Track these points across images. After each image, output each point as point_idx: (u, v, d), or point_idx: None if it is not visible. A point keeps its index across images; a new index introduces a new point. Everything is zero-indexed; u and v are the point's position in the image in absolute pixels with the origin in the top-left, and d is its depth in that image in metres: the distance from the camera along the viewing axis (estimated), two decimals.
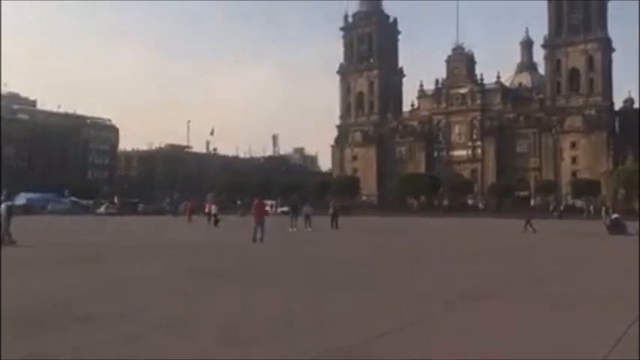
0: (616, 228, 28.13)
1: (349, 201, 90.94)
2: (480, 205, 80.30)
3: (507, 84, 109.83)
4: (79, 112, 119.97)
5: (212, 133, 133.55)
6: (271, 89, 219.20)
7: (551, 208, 61.40)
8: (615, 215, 30.01)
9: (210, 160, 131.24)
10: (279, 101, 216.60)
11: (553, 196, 79.65)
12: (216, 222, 31.13)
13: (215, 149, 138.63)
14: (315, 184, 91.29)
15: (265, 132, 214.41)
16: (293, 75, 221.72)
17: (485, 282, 10.14)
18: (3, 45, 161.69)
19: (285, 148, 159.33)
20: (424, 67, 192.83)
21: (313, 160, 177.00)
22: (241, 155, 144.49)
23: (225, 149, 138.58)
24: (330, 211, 31.23)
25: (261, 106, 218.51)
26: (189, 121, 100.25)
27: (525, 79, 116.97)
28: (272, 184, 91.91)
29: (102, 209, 53.80)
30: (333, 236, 23.46)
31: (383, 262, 13.46)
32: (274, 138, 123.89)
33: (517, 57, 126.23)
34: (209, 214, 32.60)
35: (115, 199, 50.77)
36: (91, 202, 58.94)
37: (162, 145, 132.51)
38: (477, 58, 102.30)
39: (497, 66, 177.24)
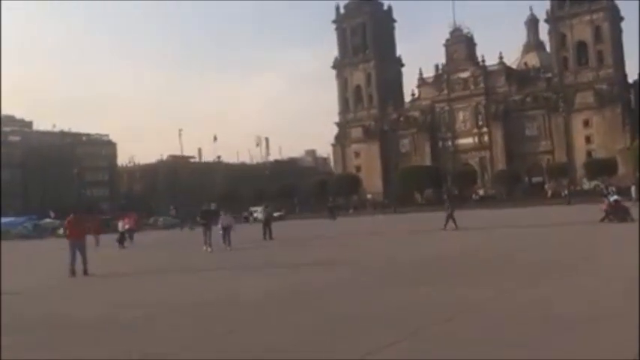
0: (615, 213, 22.90)
1: (350, 200, 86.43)
2: (474, 197, 74.72)
3: (514, 66, 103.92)
4: (75, 129, 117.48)
5: (215, 139, 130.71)
6: (280, 94, 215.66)
7: (549, 193, 55.67)
8: (615, 197, 24.42)
9: (215, 168, 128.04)
10: (290, 105, 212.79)
11: (567, 180, 73.77)
12: (122, 240, 26.86)
13: (219, 157, 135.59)
14: (313, 184, 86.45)
15: (276, 137, 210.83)
16: (301, 77, 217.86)
17: None
18: None
19: (297, 151, 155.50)
20: (425, 53, 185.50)
21: (325, 161, 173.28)
22: (248, 162, 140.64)
23: (233, 157, 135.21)
24: (262, 217, 26.19)
25: (272, 111, 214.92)
26: (180, 130, 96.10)
27: (533, 60, 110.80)
28: (268, 189, 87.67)
29: (62, 231, 49.86)
30: (238, 259, 17.62)
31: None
32: (266, 140, 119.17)
33: (523, 37, 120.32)
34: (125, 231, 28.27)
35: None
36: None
37: (164, 157, 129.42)
38: (477, 40, 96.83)
39: (502, 47, 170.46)
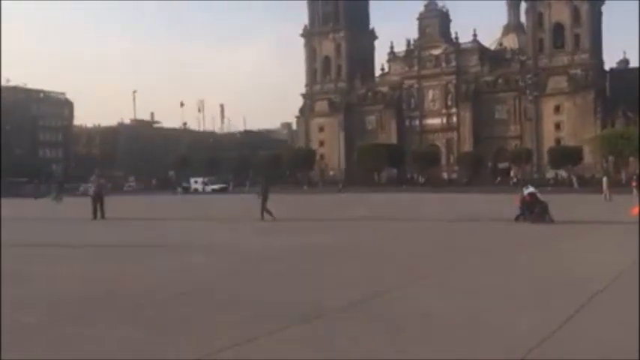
0: (530, 211, 17.54)
1: (307, 175, 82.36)
2: (420, 180, 70.96)
3: (492, 47, 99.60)
4: (30, 85, 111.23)
5: (182, 105, 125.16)
6: (259, 63, 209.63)
7: (498, 179, 51.72)
8: (530, 190, 18.29)
9: (179, 135, 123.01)
10: (269, 75, 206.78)
11: (530, 166, 70.19)
12: None
13: (185, 124, 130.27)
14: (267, 158, 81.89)
15: (251, 107, 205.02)
16: (282, 47, 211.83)
17: None
18: None
19: (273, 123, 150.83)
20: (401, 27, 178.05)
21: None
22: (218, 131, 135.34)
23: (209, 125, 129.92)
24: (91, 191, 21.29)
25: (252, 82, 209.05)
26: (134, 92, 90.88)
27: (512, 42, 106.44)
28: (222, 160, 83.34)
29: None
30: None
31: None
32: (221, 107, 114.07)
33: (503, 17, 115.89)
34: None
35: None
36: None
37: (127, 121, 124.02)
38: (456, 17, 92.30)
39: (483, 28, 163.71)
